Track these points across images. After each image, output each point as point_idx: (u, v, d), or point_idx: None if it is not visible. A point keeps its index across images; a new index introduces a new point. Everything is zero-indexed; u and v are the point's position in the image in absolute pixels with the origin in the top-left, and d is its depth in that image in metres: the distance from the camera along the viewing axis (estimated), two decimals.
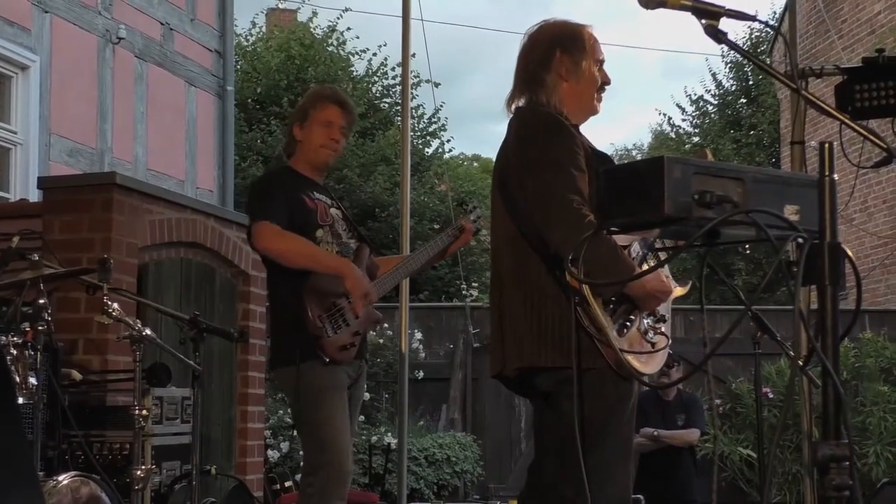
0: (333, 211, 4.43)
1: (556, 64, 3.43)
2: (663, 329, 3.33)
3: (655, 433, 7.46)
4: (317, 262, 4.23)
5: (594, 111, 3.53)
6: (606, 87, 3.54)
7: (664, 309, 3.36)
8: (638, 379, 3.27)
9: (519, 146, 3.38)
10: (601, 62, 3.51)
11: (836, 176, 1.98)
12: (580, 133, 3.42)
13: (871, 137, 2.44)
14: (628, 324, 3.24)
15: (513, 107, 3.50)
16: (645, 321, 3.29)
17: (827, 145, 1.96)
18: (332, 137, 4.49)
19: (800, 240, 1.99)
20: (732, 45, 2.42)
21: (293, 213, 4.25)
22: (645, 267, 3.28)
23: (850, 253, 1.99)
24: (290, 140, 4.52)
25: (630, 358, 3.16)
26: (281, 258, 4.24)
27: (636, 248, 3.34)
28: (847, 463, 1.88)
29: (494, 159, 3.59)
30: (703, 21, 2.31)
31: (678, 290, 3.47)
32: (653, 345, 3.28)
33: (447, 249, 4.57)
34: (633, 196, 2.14)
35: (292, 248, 4.21)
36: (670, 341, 3.38)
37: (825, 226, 1.94)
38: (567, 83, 3.43)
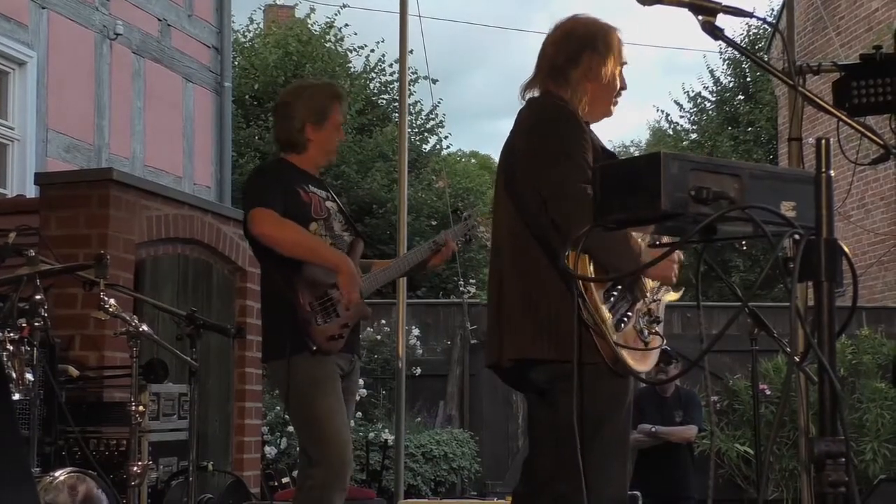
0: (329, 204, 4.41)
1: (585, 62, 3.44)
2: (657, 329, 3.34)
3: (653, 429, 7.46)
4: (314, 254, 4.21)
5: (608, 114, 3.57)
6: (623, 91, 3.56)
7: (659, 310, 3.38)
8: (635, 375, 3.27)
9: (529, 138, 3.38)
10: (624, 65, 3.54)
11: (832, 172, 1.98)
12: (590, 130, 3.43)
13: (869, 134, 2.44)
14: (626, 319, 3.24)
15: (528, 94, 3.50)
16: (641, 320, 3.30)
17: (823, 142, 1.96)
18: (341, 138, 4.54)
19: (796, 236, 1.99)
20: (729, 42, 2.42)
21: (288, 205, 4.24)
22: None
23: (846, 249, 1.98)
24: (302, 141, 4.40)
25: (624, 354, 3.16)
26: (278, 245, 4.20)
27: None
28: (843, 459, 1.88)
29: (498, 153, 3.58)
30: (700, 17, 2.31)
31: (671, 295, 3.47)
32: (646, 344, 3.29)
33: (427, 262, 4.53)
34: (630, 192, 2.14)
35: (290, 237, 4.19)
36: (664, 341, 3.38)
37: (822, 222, 1.94)
38: (591, 84, 3.45)
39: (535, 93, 3.50)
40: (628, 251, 3.14)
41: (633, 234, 3.19)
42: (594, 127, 3.54)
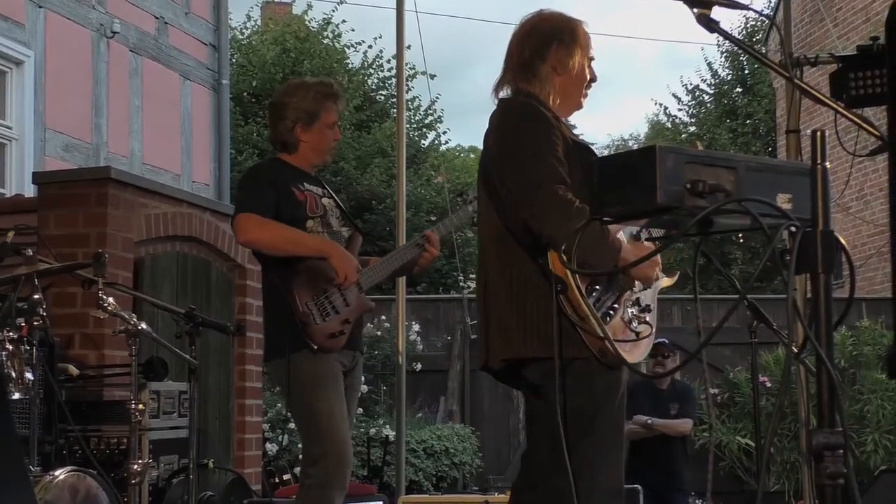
0: (325, 201, 4.41)
1: (552, 56, 3.44)
2: (648, 318, 3.33)
3: (649, 421, 7.46)
4: (299, 245, 4.21)
5: (579, 106, 3.57)
6: (593, 83, 3.57)
7: (649, 298, 3.37)
8: (628, 366, 3.27)
9: (499, 138, 3.40)
10: (592, 59, 3.54)
11: (828, 164, 1.97)
12: (562, 124, 3.42)
13: (865, 126, 2.43)
14: (611, 312, 3.25)
15: (499, 94, 3.51)
16: (629, 310, 3.30)
17: (819, 134, 1.96)
18: (336, 138, 4.54)
19: (792, 228, 1.98)
20: (725, 34, 2.41)
21: (282, 205, 4.24)
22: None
23: (843, 241, 1.98)
24: (293, 141, 4.42)
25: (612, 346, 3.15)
26: (263, 246, 4.23)
27: (621, 236, 3.35)
28: (841, 451, 1.88)
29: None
30: (695, 10, 2.30)
31: (665, 281, 3.47)
32: (637, 334, 3.29)
33: (415, 262, 4.50)
34: (626, 185, 2.14)
35: (273, 235, 4.20)
36: (654, 330, 3.38)
37: (818, 214, 1.94)
38: (559, 76, 3.45)
39: (507, 91, 3.51)
40: (605, 247, 3.14)
41: (613, 228, 3.20)
42: (583, 119, 3.54)
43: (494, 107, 3.49)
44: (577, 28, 3.50)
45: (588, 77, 3.52)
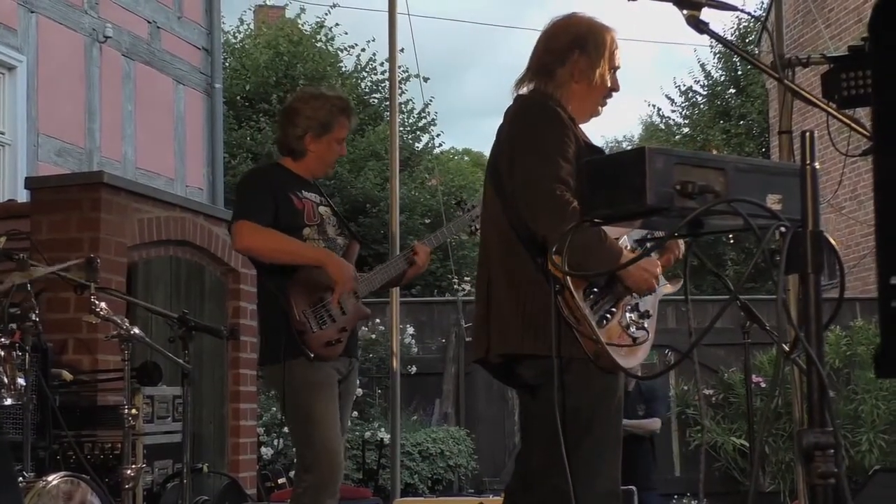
0: (322, 209, 4.41)
1: (572, 63, 3.42)
2: (646, 325, 3.33)
3: None
4: (296, 255, 4.21)
5: (596, 114, 3.54)
6: (615, 92, 3.53)
7: (649, 304, 3.37)
8: (623, 370, 3.27)
9: (510, 133, 3.39)
10: (616, 69, 3.50)
11: (819, 164, 1.97)
12: (576, 126, 3.41)
13: (855, 126, 2.44)
14: (608, 316, 3.24)
15: (520, 90, 3.49)
16: (628, 315, 3.29)
17: (808, 134, 1.96)
18: (342, 153, 4.54)
19: (782, 228, 1.99)
20: (714, 36, 2.41)
21: (279, 212, 4.23)
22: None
23: (833, 241, 1.98)
24: (301, 149, 4.41)
25: (607, 350, 3.14)
26: (261, 255, 4.23)
27: (624, 242, 3.35)
28: (832, 451, 1.88)
29: (489, 151, 3.59)
30: (685, 11, 2.31)
31: (667, 288, 3.47)
32: (634, 340, 3.29)
33: (404, 274, 4.52)
34: (616, 187, 2.14)
35: (270, 244, 4.19)
36: (650, 336, 3.37)
37: (807, 214, 1.94)
38: (577, 84, 3.43)
39: (527, 88, 3.49)
40: (602, 250, 3.13)
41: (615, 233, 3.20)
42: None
43: (508, 106, 3.49)
44: (604, 37, 3.45)
45: (609, 86, 3.48)
